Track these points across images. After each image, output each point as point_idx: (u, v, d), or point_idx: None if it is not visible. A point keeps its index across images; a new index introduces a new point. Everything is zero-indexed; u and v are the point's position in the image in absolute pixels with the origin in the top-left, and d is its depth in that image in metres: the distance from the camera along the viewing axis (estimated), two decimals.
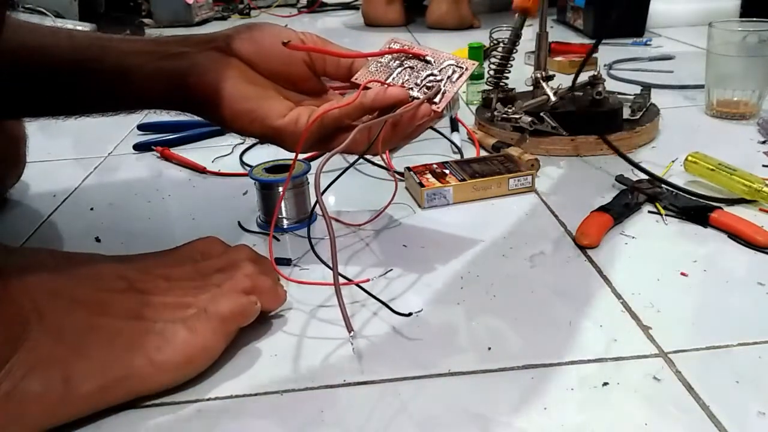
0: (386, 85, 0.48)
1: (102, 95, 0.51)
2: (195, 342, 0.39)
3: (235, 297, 0.42)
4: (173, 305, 0.41)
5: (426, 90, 0.48)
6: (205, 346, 0.40)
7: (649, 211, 0.59)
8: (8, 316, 0.37)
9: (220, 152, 0.81)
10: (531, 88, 0.78)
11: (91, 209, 0.67)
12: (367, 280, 0.47)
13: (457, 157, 0.74)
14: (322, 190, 0.42)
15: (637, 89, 0.85)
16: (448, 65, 0.49)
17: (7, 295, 0.37)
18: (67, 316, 0.38)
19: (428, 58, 0.49)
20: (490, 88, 0.80)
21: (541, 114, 0.72)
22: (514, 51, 0.77)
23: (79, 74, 0.49)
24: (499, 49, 0.78)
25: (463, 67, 0.48)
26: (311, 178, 0.60)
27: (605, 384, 0.38)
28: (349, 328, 0.40)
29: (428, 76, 0.48)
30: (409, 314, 0.44)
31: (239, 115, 0.48)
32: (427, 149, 0.79)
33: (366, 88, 0.48)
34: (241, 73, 0.48)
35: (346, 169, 0.54)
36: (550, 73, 0.77)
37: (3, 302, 0.37)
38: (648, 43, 1.34)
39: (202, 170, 0.76)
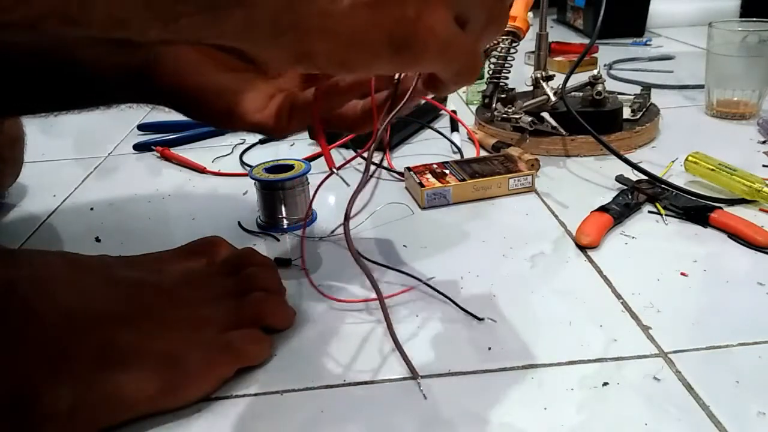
0: None
1: (64, 96, 0.47)
2: (214, 376, 0.39)
3: (256, 339, 0.41)
4: (190, 322, 0.41)
5: None
6: (218, 377, 0.39)
7: (649, 211, 0.59)
8: (20, 341, 0.36)
9: (220, 152, 0.81)
10: (531, 88, 0.78)
11: (91, 209, 0.67)
12: (411, 288, 0.46)
13: (457, 157, 0.74)
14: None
15: (637, 89, 0.85)
16: None
17: (19, 318, 0.37)
18: (83, 338, 0.38)
19: None
20: (490, 87, 0.80)
21: (541, 114, 0.72)
22: (513, 51, 0.78)
23: (34, 77, 0.45)
24: (499, 49, 0.78)
25: None
26: (311, 178, 0.60)
27: (605, 384, 0.38)
28: (414, 373, 0.39)
29: None
30: (482, 319, 0.43)
31: (217, 115, 0.44)
32: (427, 149, 0.79)
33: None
34: (206, 59, 0.43)
35: (354, 174, 0.54)
36: (550, 73, 0.77)
37: (15, 325, 0.37)
38: (648, 43, 1.35)
39: (202, 170, 0.76)
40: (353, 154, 0.74)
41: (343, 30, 0.26)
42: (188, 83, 0.43)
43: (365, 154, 0.41)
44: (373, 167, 0.41)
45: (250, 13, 0.25)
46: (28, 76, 0.45)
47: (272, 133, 0.45)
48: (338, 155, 0.77)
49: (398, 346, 0.40)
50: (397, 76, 0.40)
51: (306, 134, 0.51)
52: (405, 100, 0.40)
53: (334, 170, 0.41)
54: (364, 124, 0.45)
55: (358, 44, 0.27)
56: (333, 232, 0.57)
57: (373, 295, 0.45)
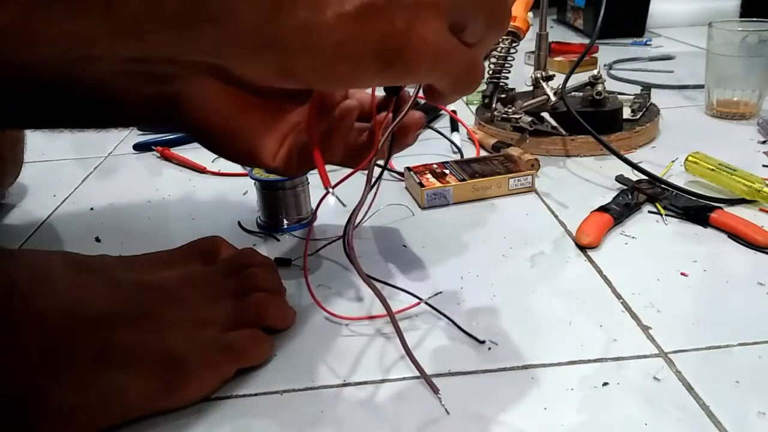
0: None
1: (82, 120, 0.46)
2: (215, 377, 0.39)
3: (257, 340, 0.41)
4: (190, 322, 0.41)
5: None
6: (219, 378, 0.39)
7: (649, 211, 0.59)
8: (20, 341, 0.36)
9: None
10: (531, 88, 0.78)
11: (91, 209, 0.67)
12: (419, 303, 0.45)
13: (457, 157, 0.74)
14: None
15: (637, 89, 0.85)
16: None
17: (19, 319, 0.37)
18: (83, 338, 0.37)
19: None
20: (490, 87, 0.80)
21: (541, 114, 0.72)
22: (513, 51, 0.78)
23: (56, 102, 0.44)
24: (499, 49, 0.78)
25: None
26: (312, 178, 0.60)
27: (605, 384, 0.38)
28: (435, 389, 0.38)
29: None
30: (483, 341, 0.42)
31: (236, 156, 0.45)
32: (427, 149, 0.79)
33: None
34: (232, 103, 0.43)
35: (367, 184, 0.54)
36: (550, 73, 0.77)
37: (15, 326, 0.36)
38: (648, 43, 1.35)
39: (202, 170, 0.76)
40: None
41: (327, 43, 0.25)
42: (210, 123, 0.43)
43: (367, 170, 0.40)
44: (373, 180, 0.40)
45: (224, 29, 0.24)
46: (50, 101, 0.43)
47: (284, 175, 0.45)
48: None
49: (416, 364, 0.38)
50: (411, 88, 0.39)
51: None
52: (404, 113, 0.39)
53: (330, 190, 0.40)
54: (362, 153, 0.45)
55: (344, 58, 0.26)
56: (331, 242, 0.55)
57: (376, 309, 0.45)
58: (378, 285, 0.40)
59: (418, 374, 0.39)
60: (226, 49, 0.25)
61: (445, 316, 0.44)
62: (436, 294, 0.47)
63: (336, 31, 0.25)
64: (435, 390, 0.37)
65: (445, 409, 0.36)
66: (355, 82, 0.28)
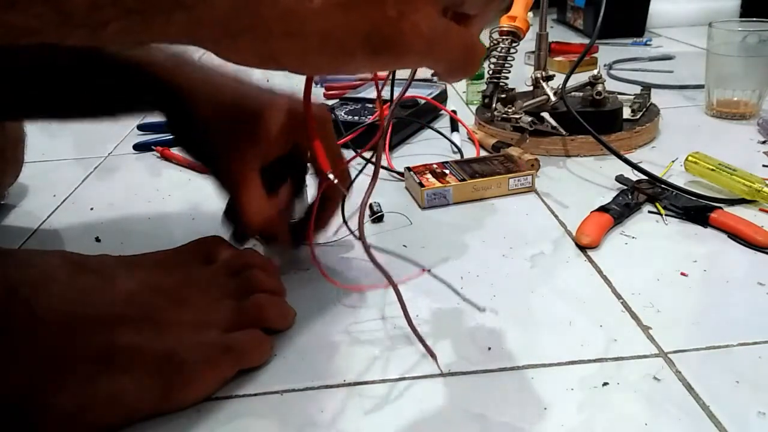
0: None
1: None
2: (215, 378, 0.39)
3: (257, 341, 0.41)
4: (191, 323, 0.41)
5: None
6: (219, 379, 0.39)
7: (649, 211, 0.59)
8: (20, 343, 0.36)
9: None
10: (531, 88, 0.78)
11: (91, 209, 0.67)
12: (423, 272, 0.47)
13: (457, 157, 0.74)
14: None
15: (637, 89, 0.85)
16: None
17: (20, 320, 0.37)
18: (83, 339, 0.37)
19: None
20: (490, 87, 0.80)
21: (541, 114, 0.72)
22: (513, 51, 0.78)
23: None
24: (499, 49, 0.78)
25: None
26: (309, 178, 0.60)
27: (605, 384, 0.38)
28: (432, 355, 0.40)
29: None
30: (483, 309, 0.44)
31: None
32: (427, 149, 0.79)
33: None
34: None
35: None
36: (550, 73, 0.77)
37: (15, 327, 0.37)
38: (648, 43, 1.35)
39: (202, 170, 0.75)
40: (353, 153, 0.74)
41: (312, 31, 0.24)
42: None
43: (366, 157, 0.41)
44: (378, 164, 0.40)
45: (194, 15, 0.23)
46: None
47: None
48: None
49: (416, 333, 0.40)
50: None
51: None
52: (401, 93, 0.39)
53: (330, 175, 0.41)
54: None
55: (330, 46, 0.25)
56: (336, 233, 0.56)
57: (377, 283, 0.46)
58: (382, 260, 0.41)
59: (418, 374, 0.40)
60: (199, 33, 0.24)
61: (445, 283, 0.44)
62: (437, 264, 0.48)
63: (323, 19, 0.24)
64: (433, 356, 0.39)
65: (441, 370, 0.39)
66: (341, 70, 0.27)
